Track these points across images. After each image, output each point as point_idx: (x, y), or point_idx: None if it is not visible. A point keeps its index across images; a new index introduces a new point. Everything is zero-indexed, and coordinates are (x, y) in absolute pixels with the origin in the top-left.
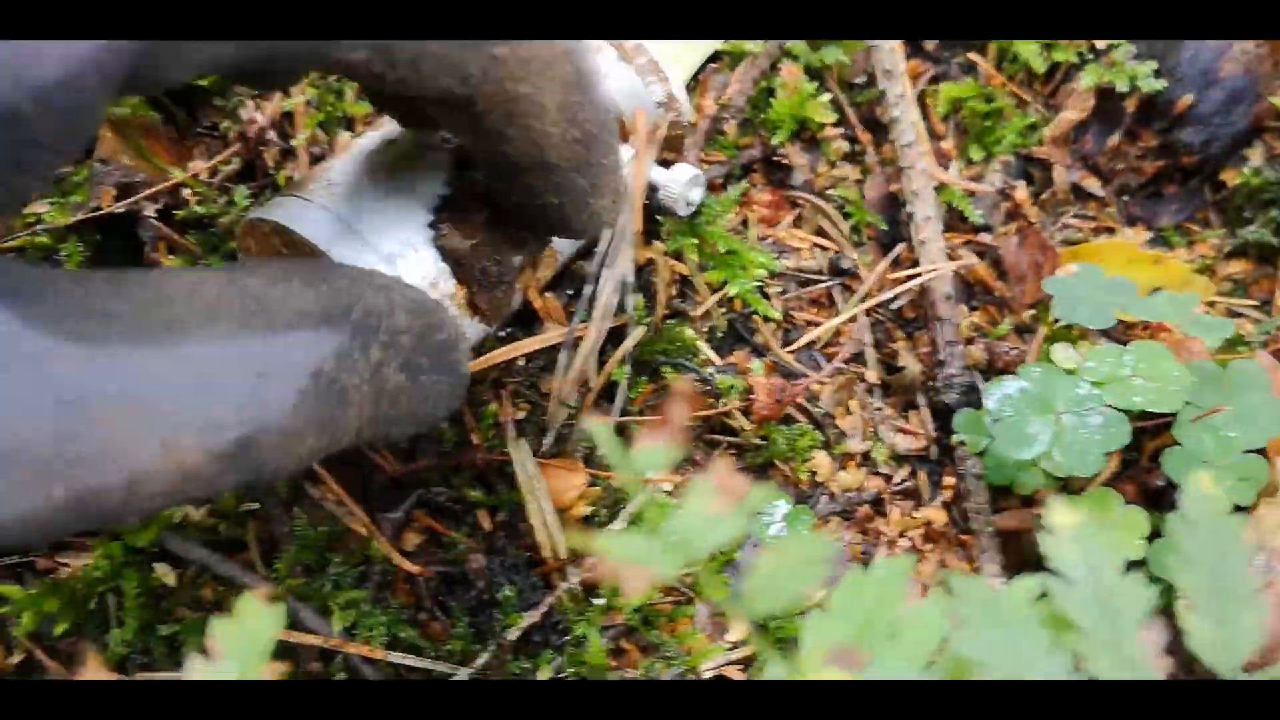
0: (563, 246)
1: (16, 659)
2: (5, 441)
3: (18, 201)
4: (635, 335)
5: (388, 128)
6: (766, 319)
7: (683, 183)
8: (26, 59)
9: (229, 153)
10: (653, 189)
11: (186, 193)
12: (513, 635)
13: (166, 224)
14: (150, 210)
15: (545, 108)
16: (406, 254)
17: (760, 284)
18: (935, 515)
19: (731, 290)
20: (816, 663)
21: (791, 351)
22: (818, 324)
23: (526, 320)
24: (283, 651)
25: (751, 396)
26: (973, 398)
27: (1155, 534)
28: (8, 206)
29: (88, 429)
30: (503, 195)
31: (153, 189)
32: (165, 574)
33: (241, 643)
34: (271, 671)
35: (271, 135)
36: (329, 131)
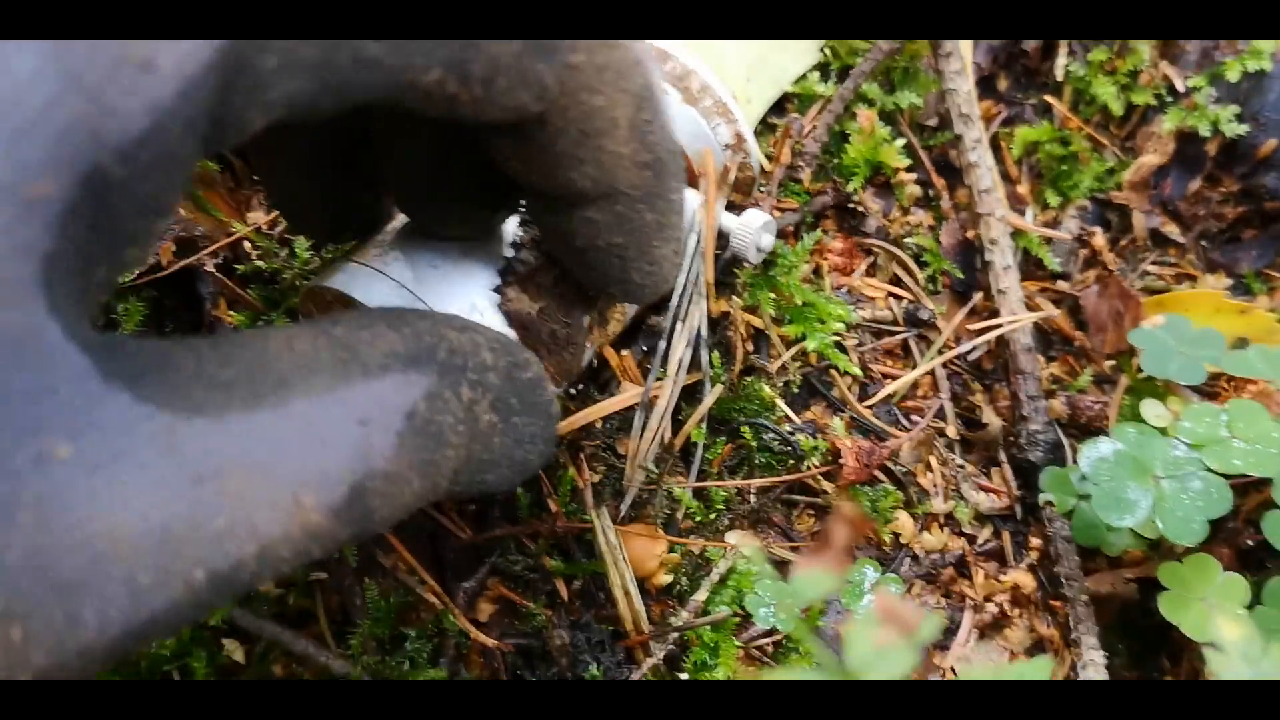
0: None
1: None
2: (148, 529)
3: (119, 273)
4: (713, 394)
5: None
6: (845, 373)
7: (754, 229)
8: (103, 112)
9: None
10: (722, 236)
11: (246, 245)
12: None
13: (227, 277)
14: (210, 265)
15: (618, 124)
16: (475, 318)
17: (838, 338)
18: (1022, 579)
19: (810, 345)
20: None
21: (869, 406)
22: (894, 376)
23: (599, 377)
24: None
25: (838, 460)
26: (1057, 455)
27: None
28: (109, 282)
29: (218, 502)
30: (563, 241)
31: (213, 244)
32: (234, 650)
33: None
34: None
35: None
36: None
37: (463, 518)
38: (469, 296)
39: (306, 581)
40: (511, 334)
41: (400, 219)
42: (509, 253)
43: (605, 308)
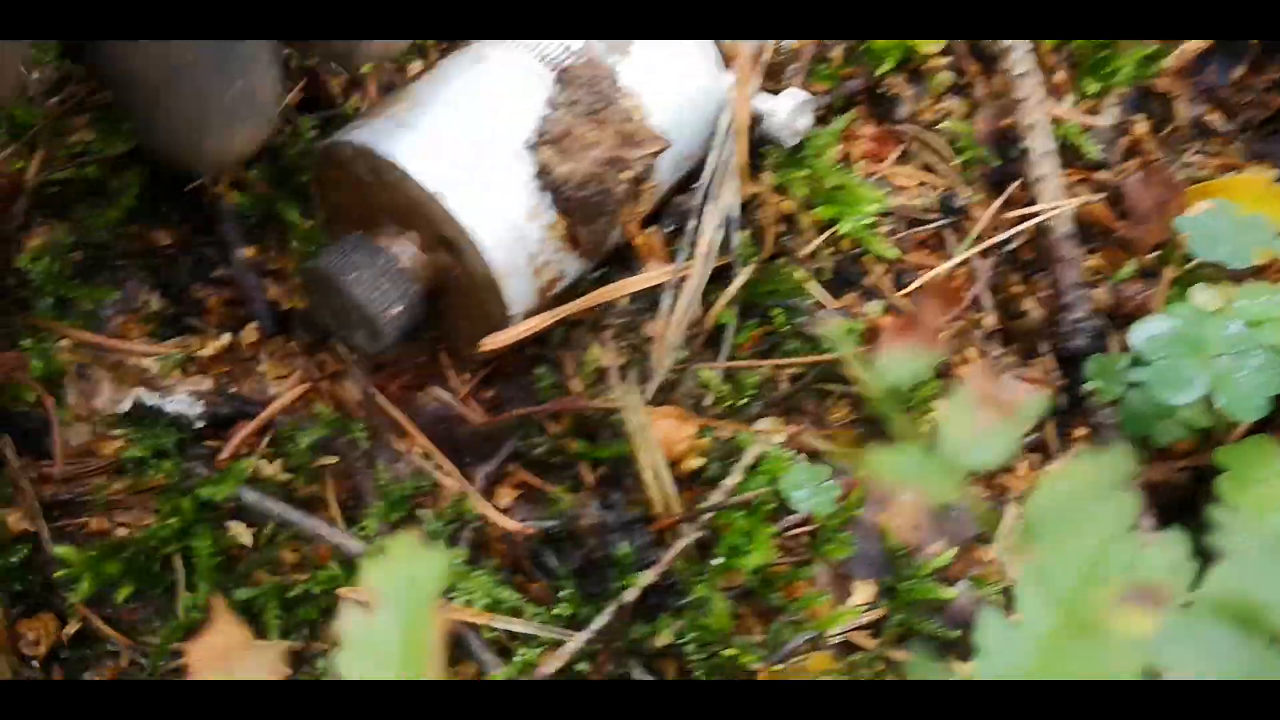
0: (664, 176)
1: (73, 628)
2: None
3: None
4: (743, 275)
5: (476, 48)
6: (880, 259)
7: (790, 109)
8: None
9: (292, 85)
10: (756, 118)
11: None
12: (631, 596)
13: None
14: None
15: None
16: (504, 180)
17: (872, 221)
18: None
19: (843, 228)
20: (1045, 612)
21: (905, 295)
22: (929, 267)
23: (624, 259)
24: None
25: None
26: (1100, 344)
27: None
28: None
29: None
30: None
31: None
32: (240, 533)
33: (403, 587)
34: (440, 618)
35: (335, 64)
36: (401, 58)
37: (478, 401)
38: (501, 155)
39: (314, 467)
40: (546, 196)
41: (455, 55)
42: (543, 111)
43: (642, 178)
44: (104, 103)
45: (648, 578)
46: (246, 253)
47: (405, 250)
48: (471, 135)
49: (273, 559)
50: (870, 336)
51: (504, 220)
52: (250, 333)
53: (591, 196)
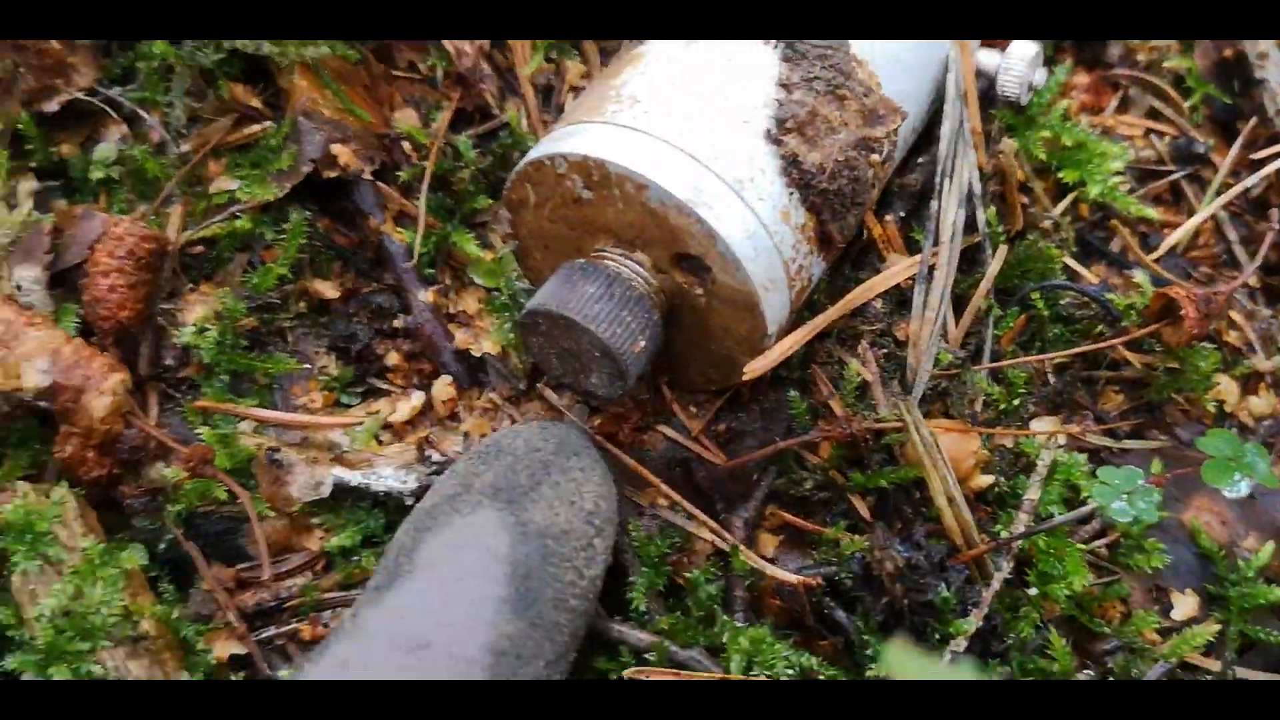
0: (897, 152)
1: None
2: None
3: None
4: (998, 257)
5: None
6: (1136, 221)
7: (1026, 63)
8: None
9: (441, 97)
10: (982, 76)
11: (406, 146)
12: (962, 646)
13: (389, 185)
14: (367, 172)
15: None
16: (754, 177)
17: (1120, 179)
18: None
19: (1091, 190)
20: None
21: (1157, 260)
22: (1172, 224)
23: (849, 251)
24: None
25: (1165, 317)
26: None
27: None
28: None
29: None
30: None
31: (366, 148)
32: None
33: None
34: None
35: (486, 69)
36: (558, 58)
37: (713, 437)
38: (745, 149)
39: None
40: (795, 194)
41: (660, 42)
42: (778, 95)
43: (890, 154)
44: (241, 143)
45: (974, 623)
46: (427, 298)
47: (639, 274)
48: (712, 134)
49: None
50: (1151, 313)
51: (761, 227)
52: (444, 388)
53: (843, 186)
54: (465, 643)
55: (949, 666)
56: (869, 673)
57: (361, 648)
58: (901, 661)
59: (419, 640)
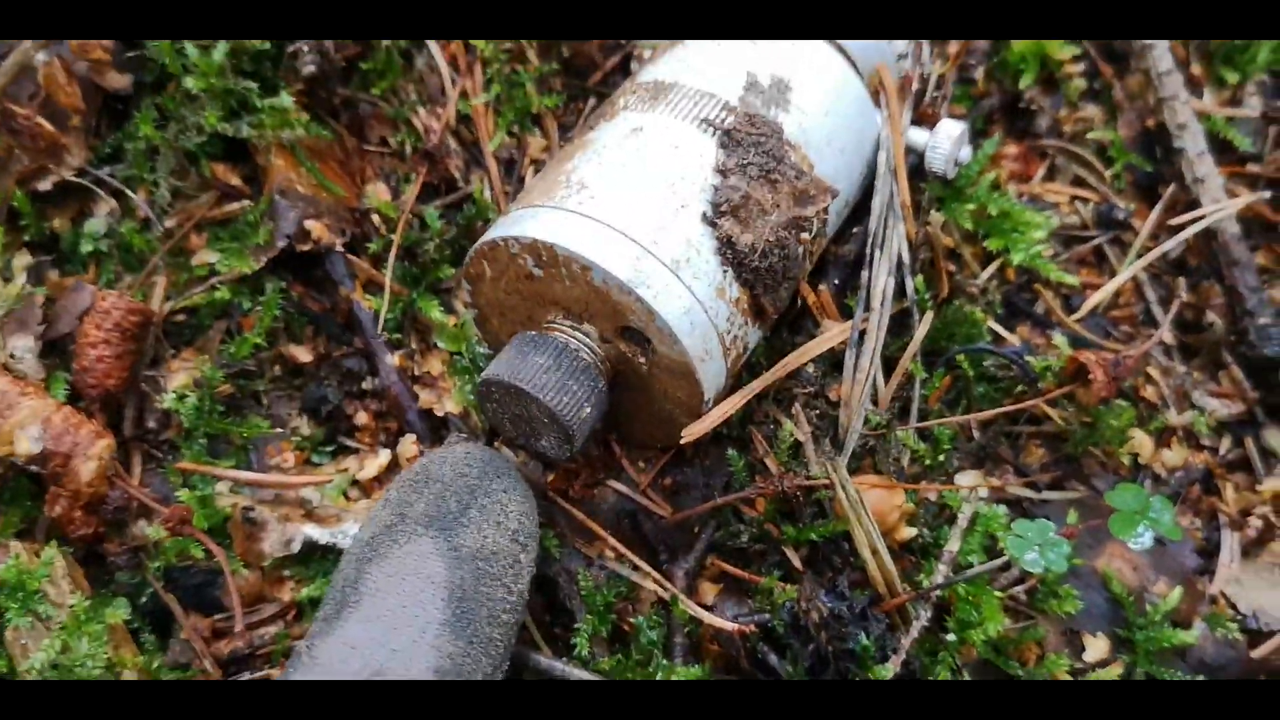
0: (829, 227)
1: None
2: None
3: None
4: (925, 322)
5: (629, 117)
6: (1058, 285)
7: (952, 141)
8: None
9: (409, 170)
10: (911, 153)
11: (375, 219)
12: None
13: (357, 256)
14: (339, 245)
15: None
16: (690, 258)
17: (1042, 247)
18: None
19: (1015, 258)
20: None
21: (1078, 320)
22: (1094, 286)
23: (787, 316)
24: None
25: (1077, 379)
26: None
27: None
28: None
29: None
30: None
31: (339, 222)
32: None
33: None
34: None
35: (452, 144)
36: (519, 133)
37: (659, 491)
38: (683, 230)
39: None
40: (729, 271)
41: (605, 125)
42: (714, 180)
43: (819, 235)
44: (221, 218)
45: (891, 670)
46: (394, 361)
47: (585, 344)
48: (653, 217)
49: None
50: (1067, 374)
51: (696, 304)
52: (408, 446)
53: (775, 264)
54: (412, 666)
55: None
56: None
57: (319, 678)
58: None
59: (372, 668)
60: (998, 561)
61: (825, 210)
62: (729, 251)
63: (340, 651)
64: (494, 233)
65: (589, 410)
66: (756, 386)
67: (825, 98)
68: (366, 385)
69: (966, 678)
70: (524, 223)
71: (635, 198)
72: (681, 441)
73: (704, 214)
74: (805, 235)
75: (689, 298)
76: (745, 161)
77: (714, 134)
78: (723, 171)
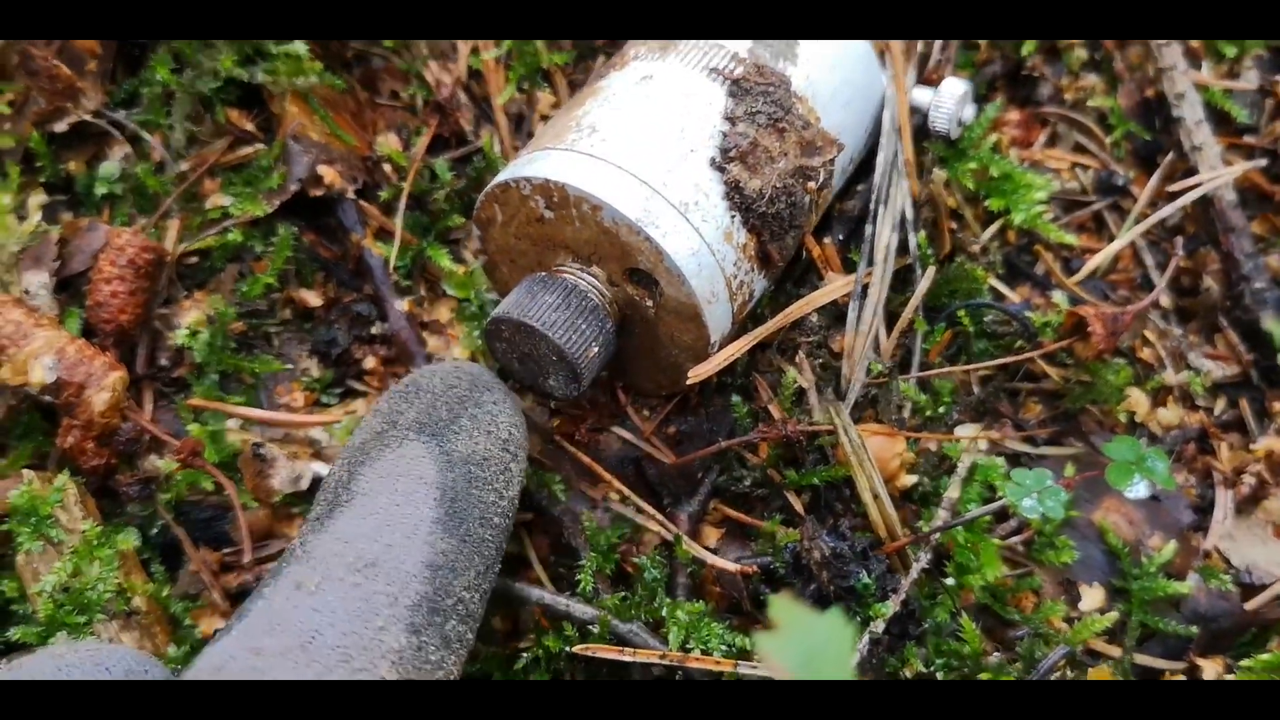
0: (835, 181)
1: None
2: None
3: None
4: (927, 277)
5: (638, 66)
6: (1059, 246)
7: (955, 100)
8: None
9: (420, 123)
10: (914, 112)
11: (386, 168)
12: (879, 628)
13: (370, 204)
14: (351, 191)
15: None
16: (699, 201)
17: (1043, 208)
18: (1278, 446)
19: (1015, 218)
20: None
21: (1077, 283)
22: (1093, 250)
23: (793, 272)
24: (614, 671)
25: (1075, 334)
26: None
27: None
28: None
29: None
30: None
31: (351, 170)
32: None
33: (810, 656)
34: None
35: (463, 99)
36: (529, 89)
37: (663, 438)
38: (692, 174)
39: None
40: (737, 216)
41: (616, 74)
42: (723, 127)
43: (826, 183)
44: (235, 163)
45: (891, 607)
46: (403, 307)
47: (594, 286)
48: (662, 160)
49: (486, 629)
50: (1066, 329)
51: (704, 245)
52: None
53: (781, 210)
54: (405, 560)
55: (822, 615)
56: None
57: (313, 569)
58: (782, 611)
59: (366, 560)
60: (996, 504)
61: (831, 162)
62: (736, 196)
63: (333, 546)
64: (505, 174)
65: (596, 350)
66: (761, 333)
67: (832, 53)
68: (375, 330)
69: (964, 621)
70: (535, 163)
71: (645, 141)
72: (688, 382)
73: (712, 159)
74: (811, 184)
75: (697, 239)
76: (754, 110)
77: (723, 83)
78: (731, 119)
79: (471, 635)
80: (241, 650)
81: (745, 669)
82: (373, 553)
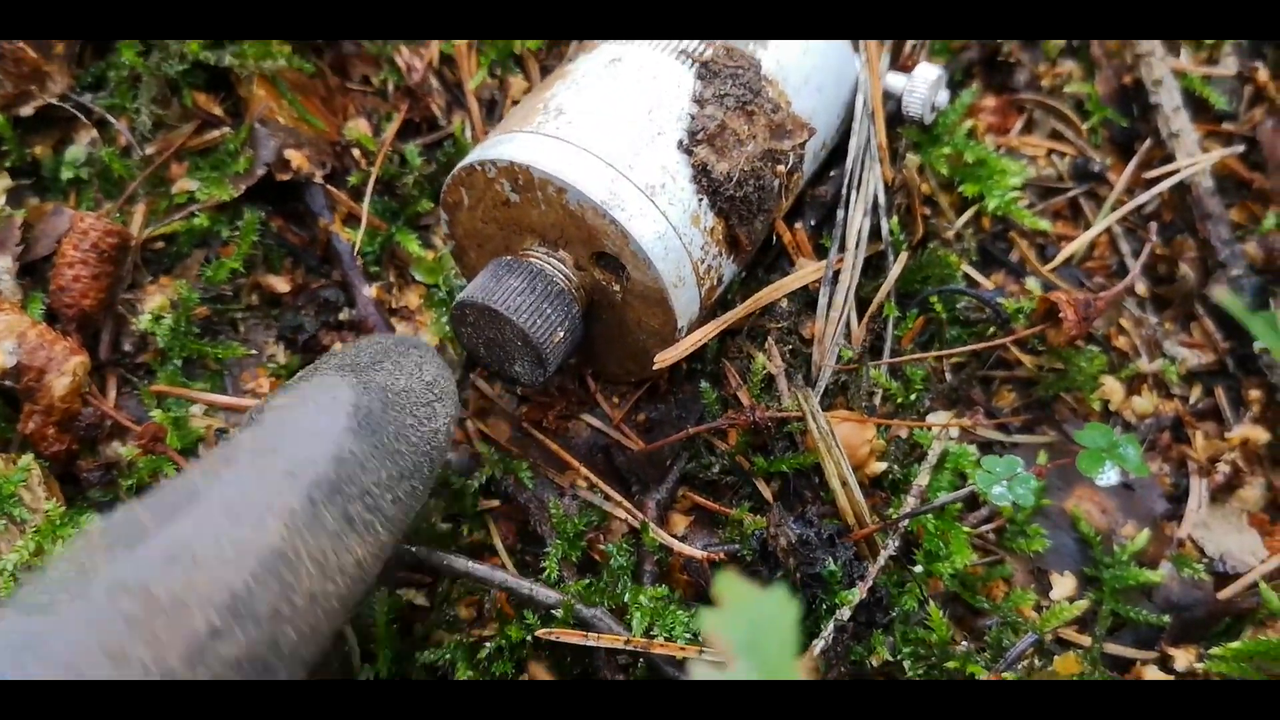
0: (807, 166)
1: None
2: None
3: None
4: (899, 263)
5: (607, 49)
6: (1034, 233)
7: (928, 85)
8: None
9: (391, 108)
10: (888, 97)
11: (355, 153)
12: (845, 615)
13: (338, 189)
14: (319, 176)
15: None
16: (666, 184)
17: (1017, 194)
18: (1253, 434)
19: (989, 204)
20: None
21: (1052, 270)
22: (1069, 237)
23: (765, 258)
24: (578, 657)
25: (1048, 320)
26: (1263, 300)
27: None
28: None
29: None
30: None
31: (319, 154)
32: (413, 594)
33: (754, 633)
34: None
35: (434, 84)
36: (501, 74)
37: (632, 425)
38: (659, 157)
39: (477, 511)
40: (705, 199)
41: (584, 57)
42: (691, 109)
43: (795, 168)
44: (202, 147)
45: (857, 594)
46: (370, 293)
47: (560, 270)
48: (629, 143)
49: (451, 617)
50: (1038, 315)
51: (670, 229)
52: None
53: (750, 194)
54: (311, 449)
55: (766, 591)
56: None
57: (211, 459)
58: (727, 588)
59: (270, 446)
60: (964, 490)
61: (802, 146)
62: (704, 179)
63: (249, 436)
64: (471, 157)
65: (562, 335)
66: (730, 318)
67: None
68: (343, 316)
69: (932, 609)
70: (501, 146)
71: (612, 124)
72: (654, 367)
73: (680, 141)
74: (781, 168)
75: (663, 222)
76: (722, 92)
77: (692, 65)
78: (699, 101)
79: (383, 532)
80: (123, 510)
81: (709, 655)
82: (277, 441)
